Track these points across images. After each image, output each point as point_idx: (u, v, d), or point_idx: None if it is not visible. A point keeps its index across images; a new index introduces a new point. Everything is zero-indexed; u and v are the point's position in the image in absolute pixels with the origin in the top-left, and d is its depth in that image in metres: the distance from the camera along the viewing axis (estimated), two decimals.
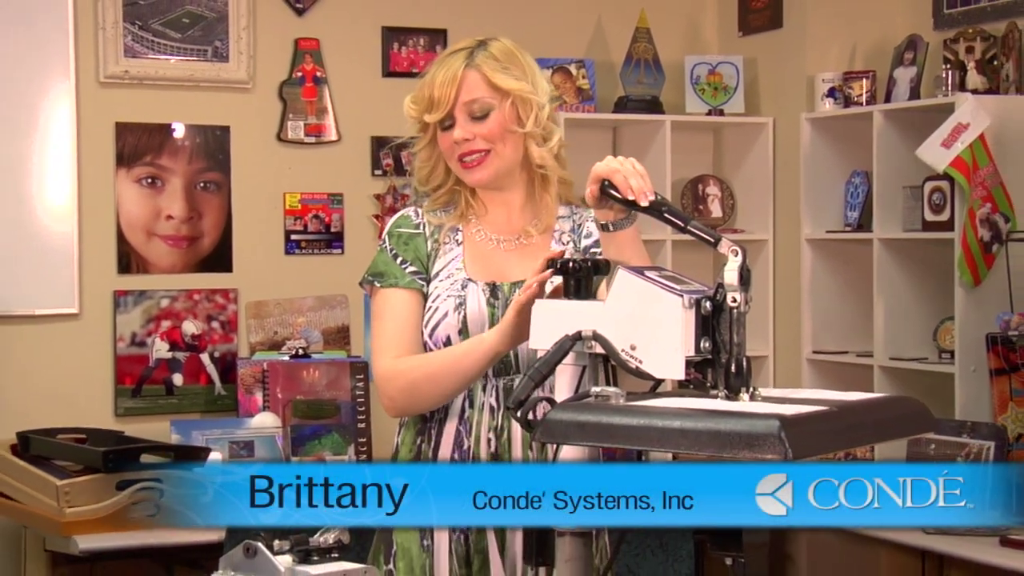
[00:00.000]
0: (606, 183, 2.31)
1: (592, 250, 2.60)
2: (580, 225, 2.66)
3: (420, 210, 2.64)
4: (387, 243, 2.62)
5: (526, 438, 2.53)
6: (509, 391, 2.53)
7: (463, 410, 2.54)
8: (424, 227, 2.62)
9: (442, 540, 2.51)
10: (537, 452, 2.53)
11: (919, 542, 3.99)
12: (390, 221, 2.67)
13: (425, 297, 2.56)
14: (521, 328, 2.33)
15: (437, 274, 2.58)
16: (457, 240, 2.61)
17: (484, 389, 2.54)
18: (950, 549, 3.91)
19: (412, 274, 2.57)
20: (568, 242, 2.63)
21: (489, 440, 2.53)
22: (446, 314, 2.54)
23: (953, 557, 3.93)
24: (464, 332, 2.52)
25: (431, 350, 2.54)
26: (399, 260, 2.59)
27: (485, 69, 2.56)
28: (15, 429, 4.48)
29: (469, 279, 2.56)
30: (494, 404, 2.54)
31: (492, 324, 2.52)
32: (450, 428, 2.54)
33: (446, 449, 2.54)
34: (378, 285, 2.58)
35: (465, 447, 2.53)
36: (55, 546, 4.25)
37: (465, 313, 2.53)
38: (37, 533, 4.38)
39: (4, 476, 4.30)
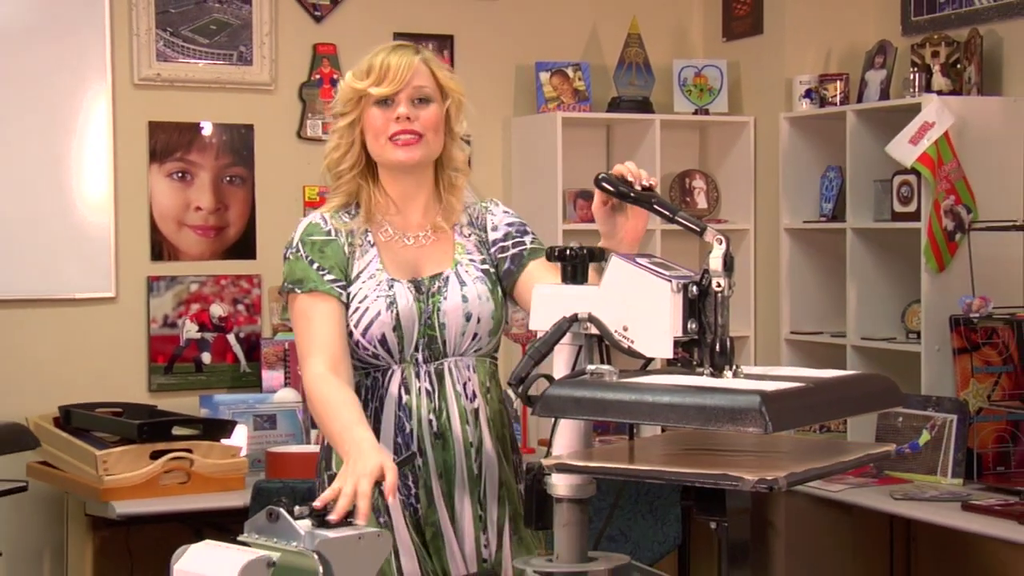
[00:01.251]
0: (600, 176, 2.30)
1: (501, 244, 2.59)
2: (479, 218, 2.63)
3: (326, 216, 2.56)
4: (301, 251, 2.52)
5: (463, 415, 2.51)
6: (441, 375, 2.52)
7: (400, 396, 2.51)
8: (335, 232, 2.54)
9: (397, 513, 2.49)
10: (473, 427, 2.52)
11: (887, 508, 3.99)
12: (298, 229, 2.56)
13: (343, 303, 2.49)
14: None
15: (358, 275, 2.52)
16: (369, 242, 2.55)
17: (418, 376, 2.51)
18: (916, 514, 3.91)
19: (331, 281, 2.49)
20: (469, 234, 2.60)
21: (431, 421, 2.50)
22: (378, 313, 2.48)
23: (919, 521, 3.93)
24: (398, 328, 2.48)
25: (364, 348, 2.49)
26: (316, 267, 2.51)
27: (432, 65, 2.56)
28: (58, 403, 4.50)
29: (393, 279, 2.52)
30: (430, 388, 2.51)
31: (420, 318, 2.50)
32: (388, 414, 2.51)
33: (388, 434, 2.50)
34: (298, 291, 2.50)
35: (407, 430, 2.49)
36: (94, 511, 4.26)
37: (397, 311, 2.49)
38: (78, 499, 4.39)
39: (48, 446, 4.31)
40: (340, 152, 2.57)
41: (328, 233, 2.54)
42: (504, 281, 2.58)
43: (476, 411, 2.53)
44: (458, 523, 2.51)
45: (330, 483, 2.47)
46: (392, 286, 2.51)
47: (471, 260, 2.57)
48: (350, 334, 2.50)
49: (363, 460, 2.21)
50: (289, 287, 2.52)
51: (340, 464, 2.48)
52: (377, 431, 2.50)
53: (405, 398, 2.51)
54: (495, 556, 2.53)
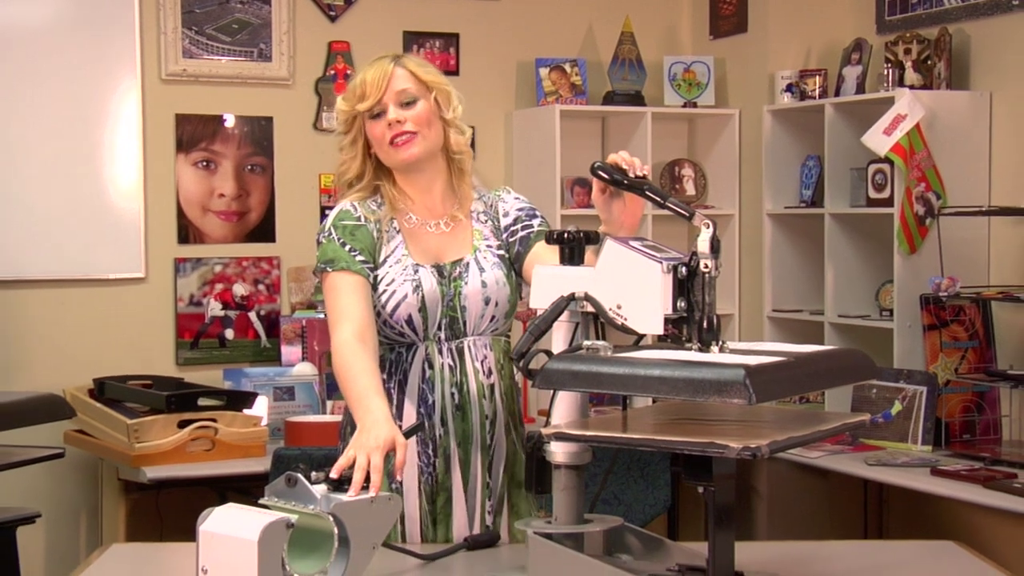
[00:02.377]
0: (596, 164, 2.30)
1: (511, 228, 2.59)
2: (492, 206, 2.64)
3: (356, 204, 2.57)
4: (334, 234, 2.53)
5: (480, 389, 2.52)
6: (461, 352, 2.52)
7: (423, 371, 2.51)
8: (364, 219, 2.55)
9: (411, 480, 2.50)
10: (489, 401, 2.53)
11: (862, 473, 3.99)
12: (329, 216, 2.57)
13: (371, 283, 2.50)
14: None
15: (385, 260, 2.52)
16: (396, 228, 2.56)
17: (441, 352, 2.52)
18: (888, 479, 3.91)
19: (361, 262, 2.49)
20: (486, 221, 2.61)
21: (452, 394, 2.51)
22: (405, 295, 2.49)
23: (891, 485, 3.93)
24: (423, 310, 2.49)
25: (391, 327, 2.50)
26: (348, 248, 2.51)
27: (410, 66, 2.56)
28: (92, 376, 4.50)
29: (418, 264, 2.52)
30: (452, 364, 2.52)
31: (443, 301, 2.50)
32: (412, 387, 2.51)
33: (411, 405, 2.51)
34: (330, 270, 2.49)
35: (430, 402, 2.50)
36: (126, 475, 4.26)
37: (423, 294, 2.49)
38: (111, 464, 4.40)
39: (83, 416, 4.32)
40: (346, 166, 2.60)
41: (358, 219, 2.55)
42: (515, 263, 2.59)
43: (492, 386, 2.54)
44: (470, 489, 2.52)
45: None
46: (417, 271, 2.52)
47: (488, 246, 2.58)
48: (378, 314, 2.50)
49: (375, 431, 2.21)
50: (322, 267, 2.51)
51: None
52: (401, 402, 2.51)
53: (428, 372, 2.52)
54: (495, 521, 2.53)
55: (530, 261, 2.54)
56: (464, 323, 2.53)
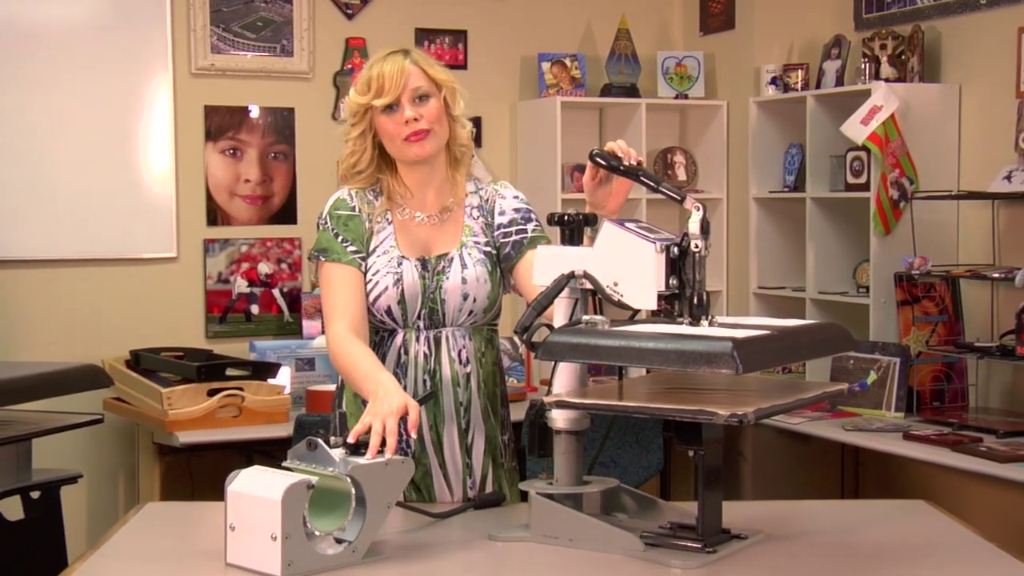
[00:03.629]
0: (594, 151, 2.29)
1: (504, 229, 2.52)
2: (489, 200, 2.56)
3: (353, 193, 2.52)
4: (328, 223, 2.50)
5: (455, 378, 2.47)
6: (438, 341, 2.48)
7: (399, 356, 2.48)
8: (359, 209, 2.50)
9: (390, 450, 2.47)
10: (463, 389, 2.49)
11: (839, 437, 3.99)
12: (328, 204, 2.53)
13: (362, 272, 2.46)
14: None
15: (374, 250, 2.48)
16: (388, 220, 2.51)
17: (418, 340, 2.47)
18: (864, 443, 3.91)
19: (352, 253, 2.46)
20: (478, 217, 2.54)
21: (424, 380, 2.47)
22: (386, 288, 2.44)
23: (866, 449, 3.93)
24: (402, 303, 2.44)
25: (373, 315, 2.46)
26: (340, 239, 2.47)
27: (423, 64, 2.49)
28: (128, 348, 4.51)
29: (403, 256, 2.47)
30: (427, 352, 2.47)
31: (424, 294, 2.45)
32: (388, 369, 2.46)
33: None
34: (323, 260, 2.47)
35: (403, 386, 2.40)
36: (161, 439, 4.27)
37: (403, 287, 2.45)
38: (147, 429, 4.41)
39: (120, 385, 4.32)
40: (356, 157, 2.53)
41: (353, 209, 2.50)
42: (503, 263, 2.52)
43: (468, 375, 2.48)
44: (446, 468, 2.49)
45: (341, 420, 2.48)
46: (401, 263, 2.46)
47: (476, 243, 2.51)
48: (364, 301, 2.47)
49: (388, 399, 2.20)
50: (315, 255, 2.50)
51: (350, 403, 2.50)
52: None
53: (403, 358, 2.47)
54: (475, 497, 2.50)
55: (521, 268, 2.48)
56: (443, 315, 2.47)
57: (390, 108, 2.46)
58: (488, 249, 2.52)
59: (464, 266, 2.48)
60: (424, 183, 2.52)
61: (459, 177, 2.56)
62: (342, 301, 2.44)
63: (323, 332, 4.70)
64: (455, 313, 2.48)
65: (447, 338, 2.48)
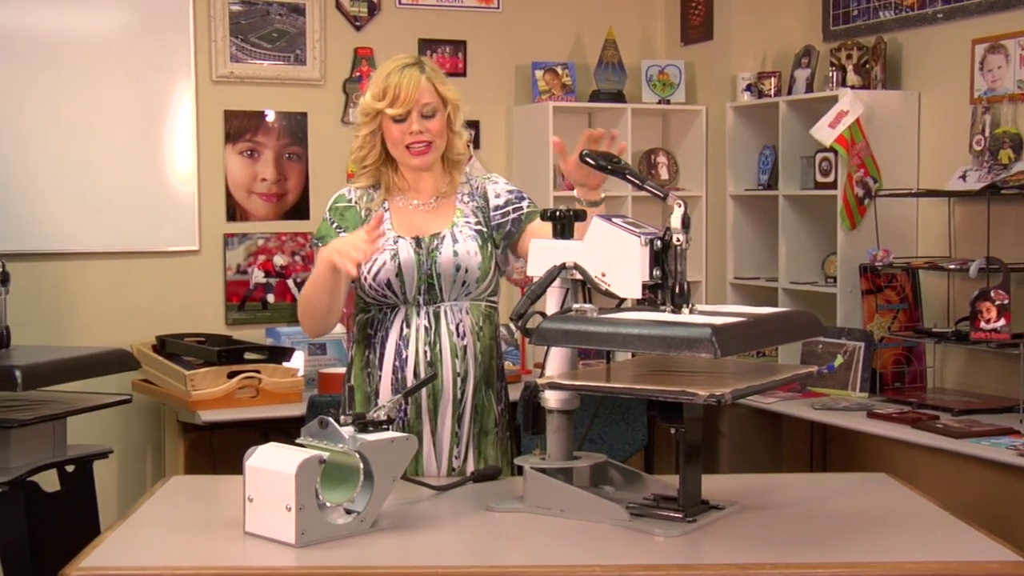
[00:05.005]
0: (584, 152, 2.28)
1: (502, 209, 2.55)
2: (479, 188, 2.58)
3: (352, 188, 2.56)
4: (328, 216, 2.55)
5: (453, 350, 2.47)
6: (437, 316, 2.48)
7: (401, 330, 2.48)
8: (354, 201, 2.54)
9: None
10: (461, 360, 2.48)
11: (809, 416, 3.99)
12: (332, 200, 2.58)
13: None
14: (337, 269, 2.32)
15: None
16: (385, 207, 2.52)
17: (418, 315, 2.48)
18: (831, 421, 3.91)
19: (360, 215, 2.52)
20: (468, 202, 2.56)
21: (425, 352, 2.47)
22: (384, 263, 2.45)
23: (833, 426, 3.93)
24: (400, 275, 2.45)
25: (375, 289, 2.47)
26: (335, 226, 2.52)
27: (435, 80, 2.50)
28: (155, 334, 4.51)
29: (399, 236, 2.48)
30: (427, 325, 2.47)
31: (419, 269, 2.46)
32: (391, 344, 2.48)
33: (389, 359, 2.47)
34: (320, 245, 2.50)
35: (404, 357, 2.46)
36: (185, 418, 4.27)
37: (399, 261, 2.46)
38: (172, 408, 4.40)
39: (147, 367, 4.32)
40: (364, 152, 2.55)
41: (349, 201, 2.55)
42: (507, 240, 2.54)
43: (465, 347, 2.48)
44: (437, 436, 2.48)
45: (349, 393, 2.49)
46: (397, 241, 2.48)
47: (467, 223, 2.53)
48: (364, 279, 2.47)
49: (338, 242, 2.33)
50: (315, 242, 2.54)
51: (358, 377, 2.51)
52: (382, 355, 2.48)
53: (405, 331, 2.48)
54: (461, 467, 2.50)
55: (525, 238, 2.50)
56: (440, 289, 2.48)
57: (400, 118, 2.48)
58: (479, 228, 2.53)
59: (456, 241, 2.49)
60: (421, 179, 2.56)
61: (455, 175, 2.59)
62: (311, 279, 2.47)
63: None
64: (450, 286, 2.48)
65: (445, 312, 2.49)
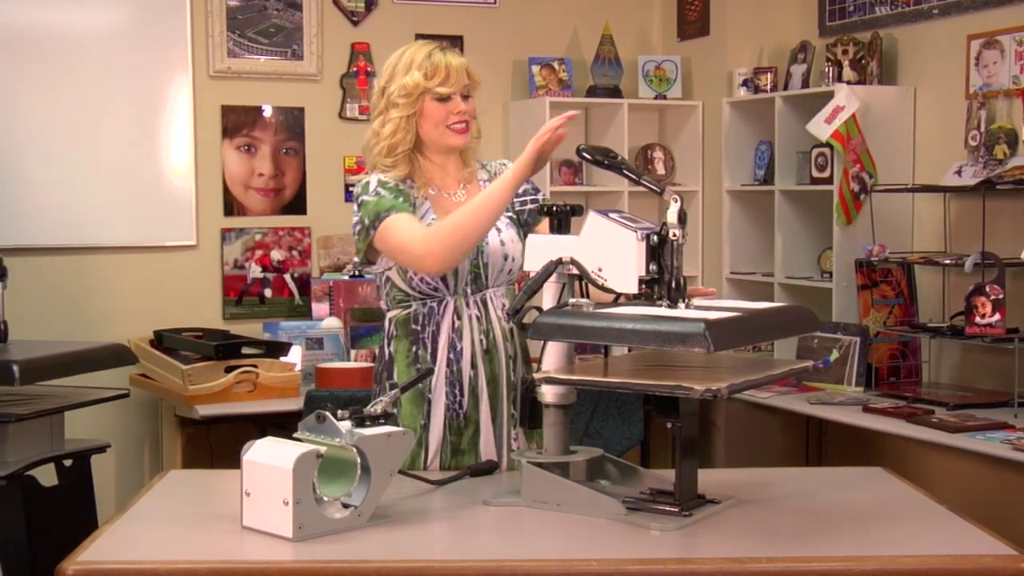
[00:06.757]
0: (581, 147, 2.28)
1: (520, 198, 2.56)
2: (495, 174, 2.59)
3: (390, 177, 2.47)
4: (382, 191, 2.43)
5: (504, 333, 2.50)
6: (485, 303, 2.49)
7: (453, 322, 2.47)
8: (400, 188, 2.46)
9: (438, 417, 2.47)
10: (511, 343, 2.51)
11: (805, 410, 3.99)
12: (371, 182, 2.46)
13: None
14: (541, 159, 2.33)
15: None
16: (423, 197, 2.50)
17: (468, 304, 2.47)
18: (827, 415, 3.91)
19: (412, 207, 2.44)
20: None
21: (481, 340, 2.47)
22: None
23: (829, 420, 3.94)
24: None
25: (426, 283, 2.44)
26: (400, 200, 2.42)
27: (468, 66, 2.54)
28: (152, 328, 4.51)
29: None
30: (479, 314, 2.48)
31: (468, 259, 2.45)
32: (444, 336, 2.47)
33: (442, 353, 2.47)
34: (386, 216, 2.39)
35: (459, 348, 2.46)
36: (182, 412, 4.27)
37: None
38: (169, 403, 4.40)
39: (145, 362, 4.31)
40: (400, 136, 2.48)
41: (397, 185, 2.46)
42: (524, 228, 2.56)
43: (511, 329, 2.51)
44: (498, 421, 2.49)
45: (391, 389, 2.46)
46: None
47: None
48: (414, 272, 2.43)
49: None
50: (376, 222, 2.40)
51: (404, 374, 2.49)
52: (435, 349, 2.47)
53: (457, 323, 2.48)
54: (518, 448, 2.51)
55: (540, 229, 2.51)
56: (486, 277, 2.49)
57: (444, 98, 2.49)
58: (511, 215, 2.57)
59: (498, 230, 2.50)
60: (443, 166, 2.55)
61: (469, 157, 2.59)
62: (418, 224, 2.38)
63: (331, 314, 4.74)
64: (496, 274, 2.51)
65: (490, 299, 2.51)
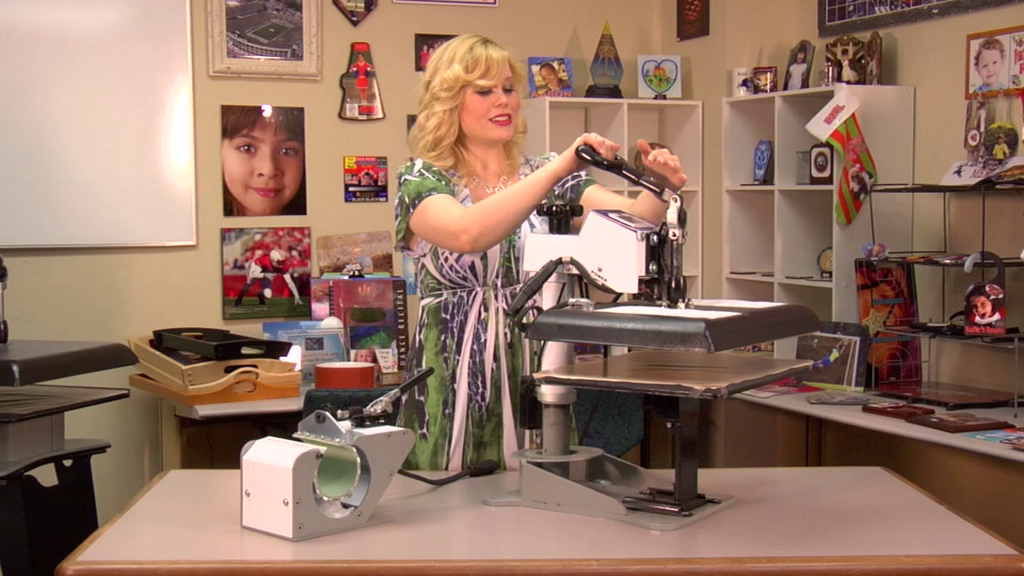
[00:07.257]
0: (581, 148, 2.28)
1: (563, 179, 2.50)
2: (537, 166, 2.60)
3: (432, 165, 2.50)
4: (426, 173, 2.45)
5: None
6: (514, 296, 2.49)
7: (480, 313, 2.48)
8: (442, 176, 2.49)
9: (461, 409, 2.48)
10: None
11: (804, 410, 4.00)
12: (415, 164, 2.48)
13: None
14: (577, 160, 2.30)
15: None
16: (464, 186, 2.52)
17: (496, 297, 2.48)
18: (827, 415, 3.91)
19: (452, 192, 2.45)
20: None
21: (505, 334, 2.47)
22: None
23: (829, 420, 3.94)
24: (484, 257, 2.45)
25: (456, 271, 2.46)
26: (443, 183, 2.45)
27: (512, 59, 2.54)
28: (152, 328, 4.50)
29: None
30: (505, 308, 2.48)
31: (500, 252, 2.46)
32: (470, 327, 2.48)
33: (467, 343, 2.48)
34: (427, 196, 2.41)
35: (483, 340, 2.47)
36: (182, 412, 4.27)
37: None
38: (169, 403, 4.40)
39: (144, 362, 4.31)
40: (444, 129, 2.51)
41: (441, 171, 2.48)
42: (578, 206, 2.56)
43: None
44: (519, 415, 2.49)
45: (419, 376, 2.44)
46: None
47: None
48: (445, 259, 2.45)
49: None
50: (426, 194, 2.41)
51: (432, 362, 2.49)
52: (460, 340, 2.48)
53: (484, 315, 2.48)
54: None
55: (584, 202, 2.47)
56: (517, 272, 2.49)
57: (485, 91, 2.49)
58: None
59: (532, 225, 2.49)
60: (485, 159, 2.55)
61: (515, 153, 2.60)
62: (456, 203, 2.38)
63: (331, 314, 4.74)
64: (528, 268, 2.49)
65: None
